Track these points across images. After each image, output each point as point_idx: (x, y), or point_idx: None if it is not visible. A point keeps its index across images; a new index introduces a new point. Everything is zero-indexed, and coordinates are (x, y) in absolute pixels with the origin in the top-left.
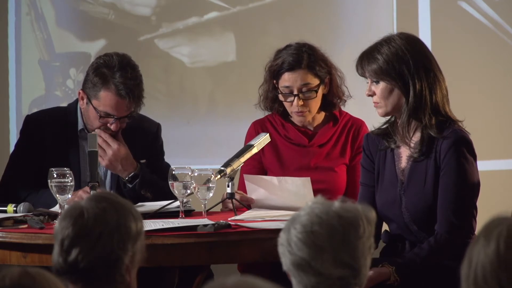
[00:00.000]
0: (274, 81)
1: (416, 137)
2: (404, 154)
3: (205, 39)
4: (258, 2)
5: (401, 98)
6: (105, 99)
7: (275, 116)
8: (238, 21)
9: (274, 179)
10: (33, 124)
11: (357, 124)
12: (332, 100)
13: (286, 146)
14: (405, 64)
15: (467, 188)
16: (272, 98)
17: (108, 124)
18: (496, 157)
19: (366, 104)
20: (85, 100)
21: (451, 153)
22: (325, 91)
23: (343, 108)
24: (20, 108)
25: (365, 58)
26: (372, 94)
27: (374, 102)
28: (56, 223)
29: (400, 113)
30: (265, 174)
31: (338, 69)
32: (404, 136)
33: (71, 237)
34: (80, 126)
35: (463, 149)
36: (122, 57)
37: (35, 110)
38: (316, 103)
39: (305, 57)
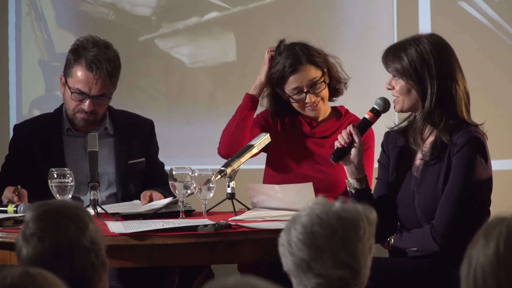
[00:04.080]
0: (278, 89)
1: (430, 141)
2: (420, 152)
3: (205, 39)
4: (258, 2)
5: (418, 101)
6: (76, 73)
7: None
8: (238, 21)
9: (275, 187)
10: (20, 133)
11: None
12: (335, 86)
13: (289, 133)
14: (427, 69)
15: (470, 190)
16: (280, 104)
17: (82, 105)
18: (496, 157)
19: (366, 104)
20: (64, 84)
21: (461, 152)
22: (327, 80)
23: (345, 104)
24: (20, 108)
25: (391, 54)
26: (391, 88)
27: (394, 96)
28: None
29: (416, 113)
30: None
31: (331, 55)
32: (416, 139)
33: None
34: (66, 125)
35: (473, 149)
36: (99, 39)
37: (35, 110)
38: (326, 92)
39: (301, 54)
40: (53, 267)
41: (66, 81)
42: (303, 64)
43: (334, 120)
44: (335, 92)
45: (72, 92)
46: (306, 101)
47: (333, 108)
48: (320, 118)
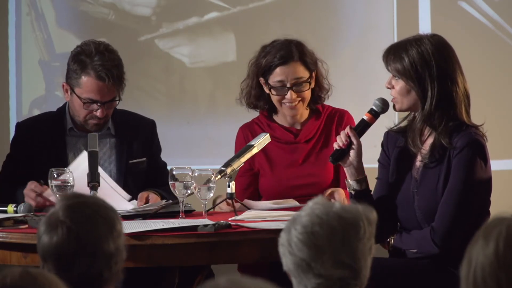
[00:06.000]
0: (261, 79)
1: (429, 142)
2: (419, 154)
3: (205, 39)
4: (258, 2)
5: (418, 101)
6: (86, 84)
7: (261, 118)
8: (238, 21)
9: (268, 204)
10: (22, 131)
11: (340, 112)
12: (319, 94)
13: (274, 145)
14: (428, 70)
15: (470, 192)
16: (256, 96)
17: (94, 112)
18: (496, 157)
19: (366, 104)
20: (69, 92)
21: (461, 155)
22: (312, 85)
23: (345, 104)
24: (20, 108)
25: (392, 54)
26: (390, 87)
27: (392, 95)
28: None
29: (416, 113)
30: (258, 179)
31: (322, 60)
32: (415, 141)
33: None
34: (69, 125)
35: (473, 152)
36: (98, 43)
37: (35, 110)
38: (308, 94)
39: (295, 50)
40: (72, 261)
41: (72, 90)
42: (293, 60)
43: (314, 120)
44: (317, 99)
45: (84, 103)
46: (287, 97)
47: (311, 109)
48: (301, 120)
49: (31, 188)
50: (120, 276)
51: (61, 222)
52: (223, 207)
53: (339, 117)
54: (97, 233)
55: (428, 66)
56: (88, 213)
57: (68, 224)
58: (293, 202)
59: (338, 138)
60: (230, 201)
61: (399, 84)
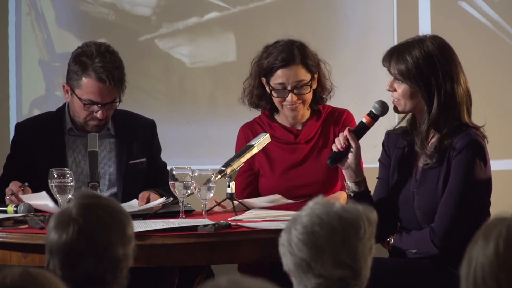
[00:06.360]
0: (263, 79)
1: (433, 144)
2: (422, 155)
3: (205, 39)
4: (258, 2)
5: (422, 104)
6: (86, 86)
7: (262, 118)
8: (238, 21)
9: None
10: (21, 131)
11: (339, 111)
12: (321, 95)
13: (274, 145)
14: (433, 72)
15: (469, 193)
16: (258, 95)
17: (94, 113)
18: (496, 157)
19: (366, 104)
20: (69, 92)
21: (460, 156)
22: (314, 86)
23: (344, 104)
24: (20, 108)
25: (395, 56)
26: (392, 90)
27: (394, 97)
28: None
29: (420, 115)
30: (258, 179)
31: (324, 61)
32: (422, 144)
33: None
34: (69, 125)
35: (472, 153)
36: (99, 44)
37: (35, 110)
38: (309, 96)
39: (297, 53)
40: (79, 260)
41: (73, 91)
42: (295, 63)
43: (315, 120)
44: (319, 99)
45: (84, 104)
46: (287, 99)
47: (312, 110)
48: (302, 121)
49: (10, 187)
50: (124, 282)
51: (73, 220)
52: (216, 209)
53: (338, 117)
54: (108, 236)
55: (433, 68)
56: (101, 214)
57: (80, 223)
58: (282, 200)
59: (336, 140)
60: (223, 204)
61: (402, 86)
